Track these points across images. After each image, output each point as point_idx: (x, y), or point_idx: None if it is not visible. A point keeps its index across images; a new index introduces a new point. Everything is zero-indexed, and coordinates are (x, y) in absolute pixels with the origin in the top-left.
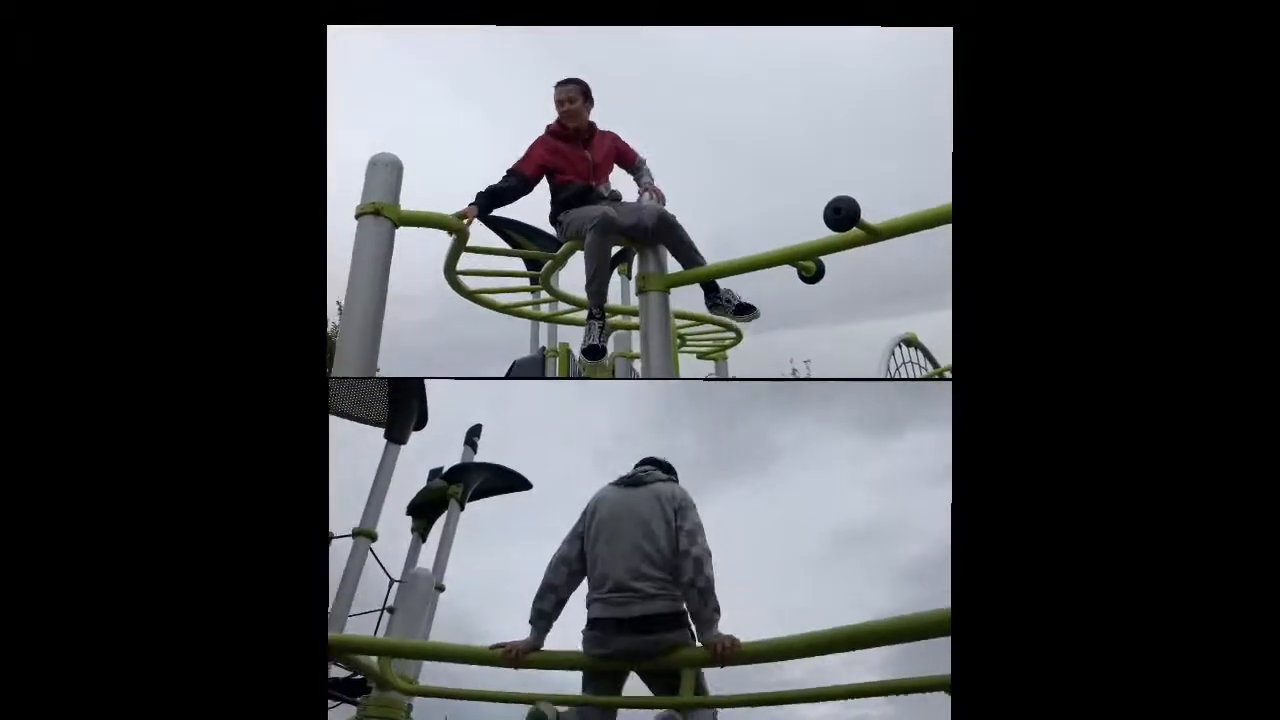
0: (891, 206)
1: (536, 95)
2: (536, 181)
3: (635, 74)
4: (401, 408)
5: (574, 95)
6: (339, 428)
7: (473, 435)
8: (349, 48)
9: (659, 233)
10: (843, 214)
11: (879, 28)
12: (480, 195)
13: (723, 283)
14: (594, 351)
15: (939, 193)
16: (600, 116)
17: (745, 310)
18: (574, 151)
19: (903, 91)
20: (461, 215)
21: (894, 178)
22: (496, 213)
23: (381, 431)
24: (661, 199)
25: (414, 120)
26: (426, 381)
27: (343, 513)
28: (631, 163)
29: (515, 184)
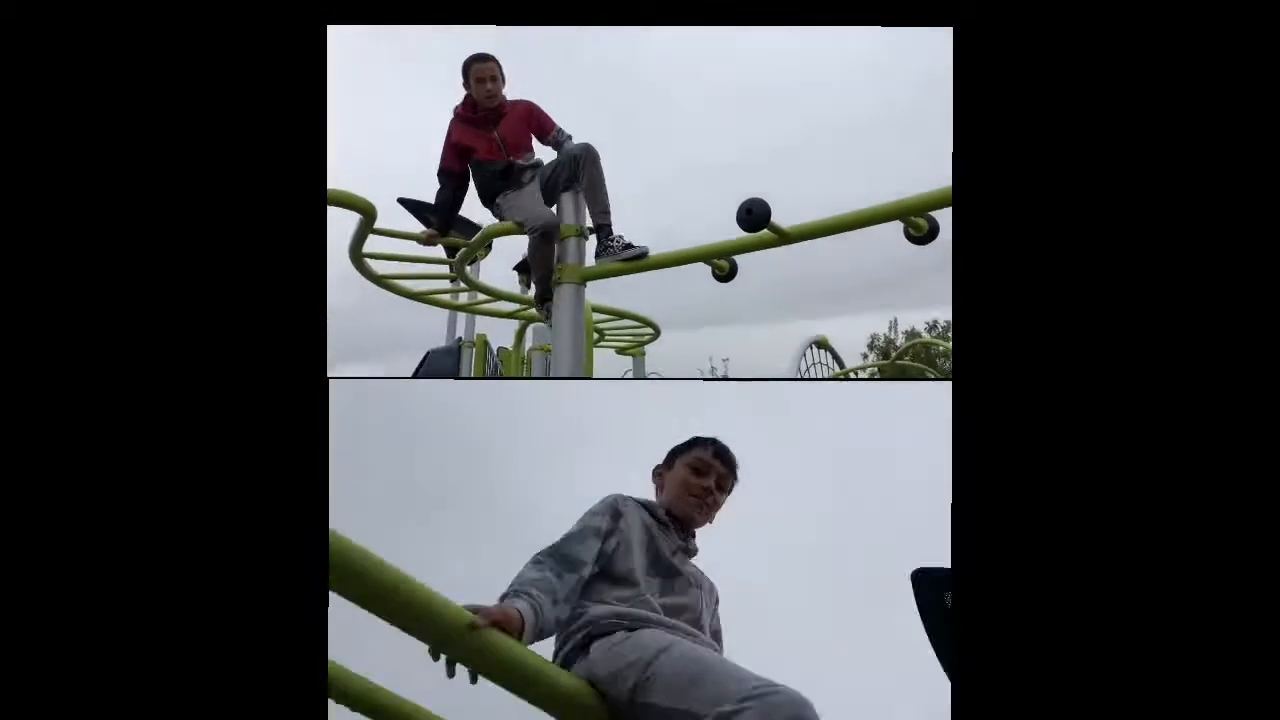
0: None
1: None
2: (467, 168)
3: (594, 65)
4: None
5: (497, 74)
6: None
7: None
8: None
9: (582, 165)
10: (753, 215)
11: (879, 28)
12: (436, 215)
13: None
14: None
15: (853, 199)
16: (578, 107)
17: (630, 248)
18: (482, 134)
19: (846, 89)
20: (428, 242)
21: (837, 185)
22: (411, 196)
23: None
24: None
25: (410, 120)
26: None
27: None
28: (548, 134)
29: (454, 185)
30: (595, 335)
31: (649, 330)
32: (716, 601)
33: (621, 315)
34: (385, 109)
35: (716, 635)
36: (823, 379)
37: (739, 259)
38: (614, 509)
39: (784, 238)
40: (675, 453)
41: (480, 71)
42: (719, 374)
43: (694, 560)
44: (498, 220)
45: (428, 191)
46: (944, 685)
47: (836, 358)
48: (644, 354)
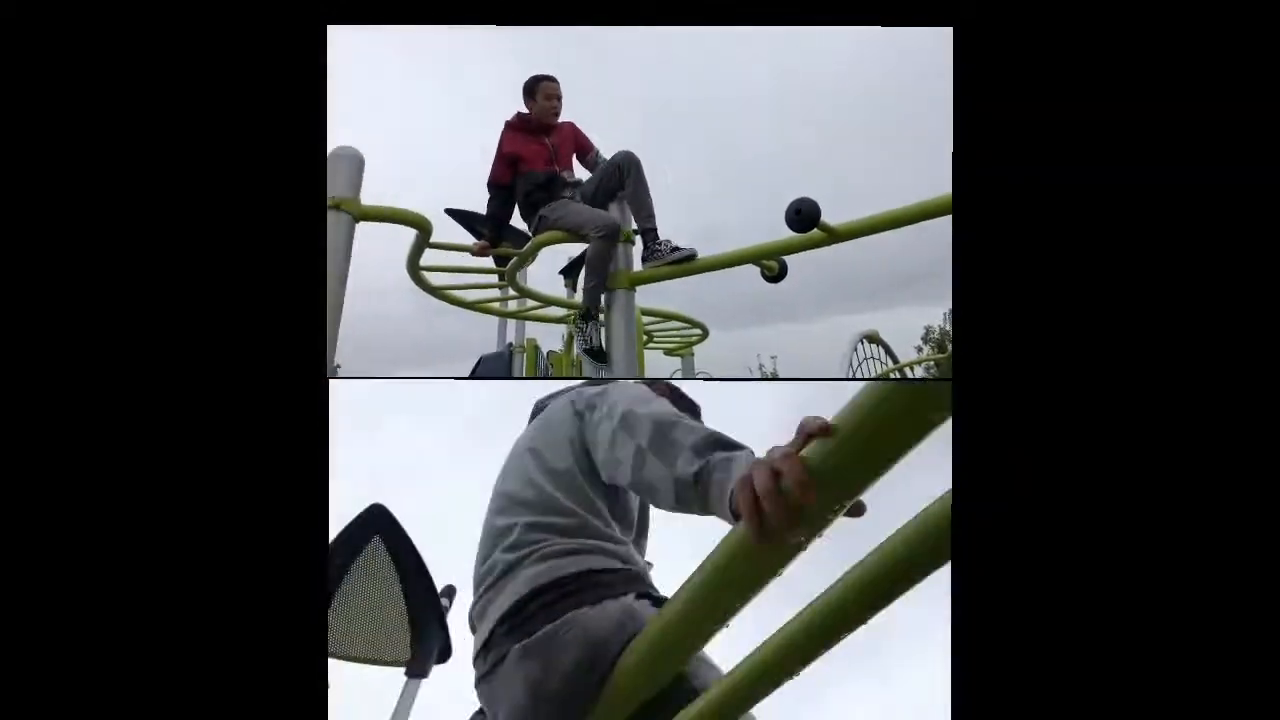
0: (870, 206)
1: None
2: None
3: (628, 68)
4: (425, 640)
5: (561, 93)
6: (348, 669)
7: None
8: (349, 48)
9: (626, 173)
10: (803, 215)
11: (879, 28)
12: (487, 228)
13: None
14: (600, 354)
15: (905, 193)
16: (597, 112)
17: (678, 250)
18: (535, 141)
19: (882, 91)
20: (481, 253)
21: (877, 178)
22: (460, 207)
23: (402, 670)
24: None
25: (411, 120)
26: (412, 380)
27: None
28: (589, 154)
29: (504, 196)
30: (644, 337)
31: (697, 331)
32: None
33: (669, 317)
34: (416, 115)
35: None
36: (867, 378)
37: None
38: None
39: (834, 236)
40: None
41: (550, 89)
42: (767, 372)
43: None
44: (534, 234)
45: (468, 198)
46: (943, 682)
47: (889, 352)
48: (693, 354)
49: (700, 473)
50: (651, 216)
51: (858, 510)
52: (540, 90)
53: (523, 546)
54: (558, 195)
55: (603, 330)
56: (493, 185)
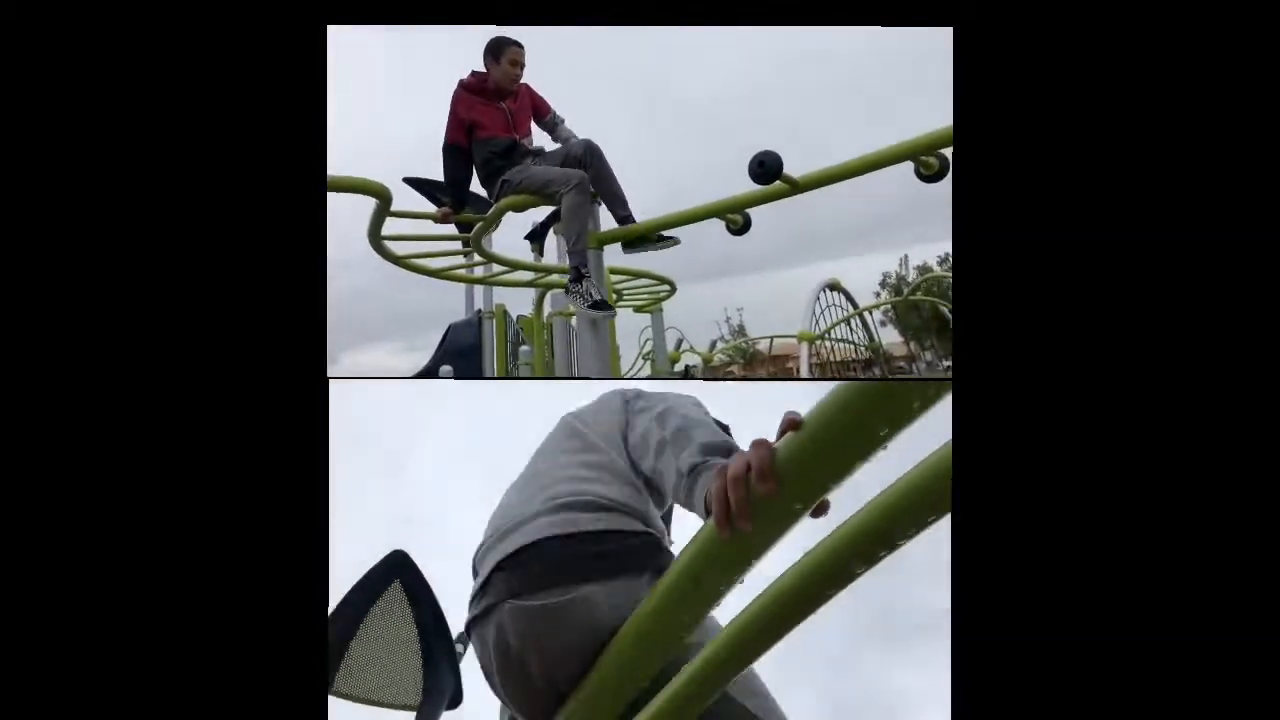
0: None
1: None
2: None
3: (603, 39)
4: (436, 685)
5: (524, 61)
6: (356, 710)
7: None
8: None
9: (588, 165)
10: (766, 168)
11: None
12: (449, 193)
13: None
14: (603, 305)
15: (856, 143)
16: (573, 78)
17: (664, 239)
18: (491, 106)
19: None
20: (444, 220)
21: (842, 139)
22: (420, 176)
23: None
24: None
25: (411, 117)
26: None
27: None
28: (545, 116)
29: (463, 160)
30: (614, 295)
31: (665, 287)
32: None
33: (637, 274)
34: (377, 88)
35: None
36: (832, 343)
37: (750, 210)
38: None
39: (796, 188)
40: None
41: (515, 55)
42: (735, 324)
43: None
44: (496, 200)
45: (426, 168)
46: (945, 677)
47: (850, 299)
48: (661, 310)
49: (695, 468)
50: (625, 203)
51: (821, 509)
52: (506, 55)
53: (551, 486)
54: (518, 163)
55: (593, 282)
56: (449, 148)
